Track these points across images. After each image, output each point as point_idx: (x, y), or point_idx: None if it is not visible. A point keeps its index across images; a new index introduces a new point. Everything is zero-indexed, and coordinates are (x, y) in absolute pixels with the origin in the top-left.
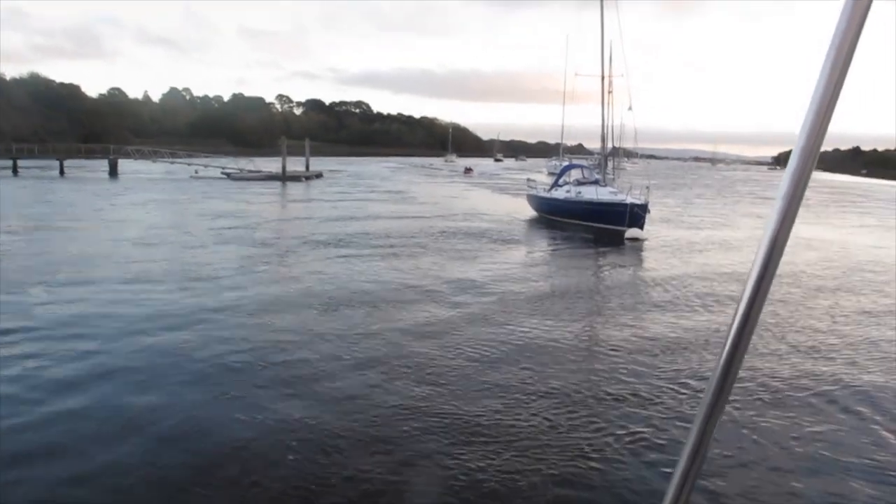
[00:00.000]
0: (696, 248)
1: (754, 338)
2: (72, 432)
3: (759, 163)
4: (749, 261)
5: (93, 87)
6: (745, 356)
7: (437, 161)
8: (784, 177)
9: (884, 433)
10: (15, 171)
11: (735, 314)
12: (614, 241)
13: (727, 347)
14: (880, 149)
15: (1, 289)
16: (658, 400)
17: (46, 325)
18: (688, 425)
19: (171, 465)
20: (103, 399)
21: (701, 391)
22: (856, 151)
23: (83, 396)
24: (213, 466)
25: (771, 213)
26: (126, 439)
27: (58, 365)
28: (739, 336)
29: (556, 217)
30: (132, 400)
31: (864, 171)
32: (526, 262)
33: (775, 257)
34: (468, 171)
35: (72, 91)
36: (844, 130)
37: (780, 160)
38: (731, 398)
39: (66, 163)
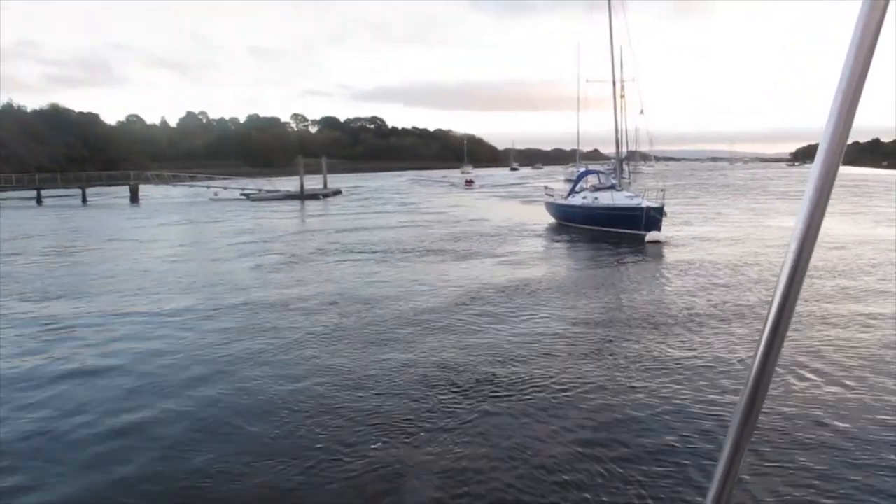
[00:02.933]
0: (717, 247)
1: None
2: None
3: (778, 159)
4: (776, 257)
5: (111, 115)
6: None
7: (453, 173)
8: (811, 172)
9: None
10: (39, 200)
11: (768, 312)
12: (634, 245)
13: (762, 345)
14: None
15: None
16: None
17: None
18: None
19: None
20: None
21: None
22: (876, 143)
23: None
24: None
25: (800, 210)
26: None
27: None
28: (774, 334)
29: (574, 224)
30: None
31: (884, 163)
32: (552, 265)
33: (806, 253)
34: (469, 183)
35: (91, 119)
36: (864, 122)
37: (798, 156)
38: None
39: (88, 190)
